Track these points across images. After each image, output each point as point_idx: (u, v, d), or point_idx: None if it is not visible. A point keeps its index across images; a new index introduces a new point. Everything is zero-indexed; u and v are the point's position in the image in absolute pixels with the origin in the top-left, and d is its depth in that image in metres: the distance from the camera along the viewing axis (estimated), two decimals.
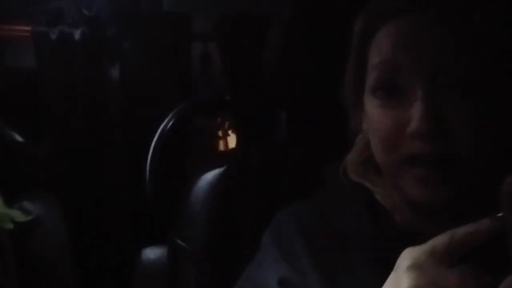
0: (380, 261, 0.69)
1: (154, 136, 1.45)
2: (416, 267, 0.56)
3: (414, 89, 0.66)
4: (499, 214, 0.55)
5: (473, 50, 0.66)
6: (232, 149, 1.64)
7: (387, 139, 0.67)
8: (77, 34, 1.58)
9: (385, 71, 0.68)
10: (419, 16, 0.67)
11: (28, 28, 1.60)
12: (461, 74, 0.65)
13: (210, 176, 1.03)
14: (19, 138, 1.50)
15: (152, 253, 1.26)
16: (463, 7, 0.67)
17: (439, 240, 0.56)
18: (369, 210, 0.74)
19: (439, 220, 0.69)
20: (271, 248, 0.78)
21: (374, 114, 0.69)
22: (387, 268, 0.68)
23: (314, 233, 0.76)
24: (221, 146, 1.72)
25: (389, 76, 0.67)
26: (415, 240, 0.69)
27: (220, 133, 1.71)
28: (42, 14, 1.59)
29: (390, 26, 0.68)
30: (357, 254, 0.72)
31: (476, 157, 0.66)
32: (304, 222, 0.77)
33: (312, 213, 0.78)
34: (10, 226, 1.26)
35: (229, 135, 1.70)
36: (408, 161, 0.66)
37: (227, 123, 1.69)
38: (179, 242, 1.04)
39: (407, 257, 0.57)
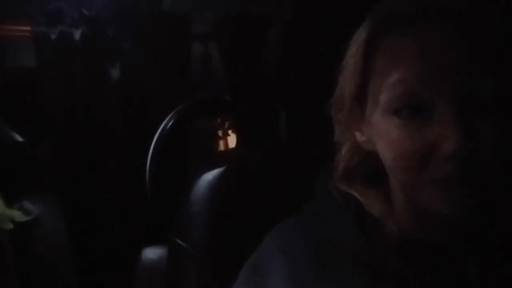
0: (372, 273, 0.69)
1: (154, 136, 1.45)
2: None
3: (441, 106, 0.61)
4: None
5: (501, 59, 0.62)
6: (232, 149, 1.64)
7: (413, 159, 0.63)
8: (77, 34, 1.58)
9: (407, 89, 0.63)
10: (437, 24, 0.62)
11: (28, 28, 1.60)
12: (490, 87, 0.61)
13: (210, 176, 1.03)
14: (19, 138, 1.50)
15: (152, 253, 1.26)
16: (480, 10, 0.62)
17: None
18: (359, 221, 0.72)
19: (445, 228, 0.69)
20: (247, 275, 0.78)
21: (396, 135, 0.64)
22: (380, 280, 0.68)
23: (300, 254, 0.74)
24: (221, 146, 1.72)
25: (412, 94, 0.63)
26: (406, 250, 0.69)
27: (220, 133, 1.71)
28: (42, 14, 1.59)
29: (405, 37, 0.63)
30: (349, 268, 0.71)
31: (502, 172, 0.63)
32: (289, 244, 0.76)
33: (299, 233, 0.77)
34: (10, 226, 1.26)
35: (229, 135, 1.70)
36: (433, 180, 0.63)
37: (227, 123, 1.69)
38: (179, 242, 1.03)
39: None
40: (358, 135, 0.72)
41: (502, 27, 0.63)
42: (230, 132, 1.69)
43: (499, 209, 0.69)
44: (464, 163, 0.61)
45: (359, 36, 0.68)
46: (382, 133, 0.67)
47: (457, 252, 0.68)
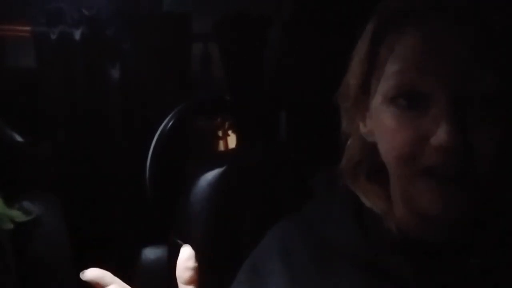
0: (371, 272, 0.69)
1: (154, 136, 1.45)
2: None
3: (438, 98, 0.62)
4: None
5: (503, 58, 0.62)
6: (232, 149, 1.64)
7: (405, 149, 0.64)
8: (77, 34, 1.58)
9: (405, 79, 0.64)
10: (443, 19, 0.63)
11: (28, 28, 1.60)
12: (488, 85, 0.62)
13: (210, 176, 1.03)
14: (19, 138, 1.50)
15: (152, 253, 1.26)
16: (487, 10, 0.63)
17: None
18: (359, 220, 0.72)
19: (444, 227, 0.69)
20: (246, 275, 0.78)
21: (391, 123, 0.65)
22: (380, 279, 0.68)
23: (298, 253, 0.75)
24: (221, 146, 1.72)
25: (410, 84, 0.64)
26: (405, 248, 0.69)
27: (220, 133, 1.71)
28: (42, 14, 1.59)
29: (412, 30, 0.64)
30: (348, 267, 0.71)
31: (494, 172, 0.64)
32: (288, 243, 0.76)
33: (298, 232, 0.77)
34: (10, 226, 1.26)
35: (229, 135, 1.70)
36: (425, 172, 0.64)
37: (227, 123, 1.69)
38: (179, 242, 1.03)
39: None
40: (361, 126, 0.73)
41: (506, 23, 0.63)
42: (230, 132, 1.69)
43: (501, 209, 0.69)
44: (455, 156, 0.61)
45: (368, 28, 0.69)
46: (379, 121, 0.68)
47: (458, 251, 0.68)
